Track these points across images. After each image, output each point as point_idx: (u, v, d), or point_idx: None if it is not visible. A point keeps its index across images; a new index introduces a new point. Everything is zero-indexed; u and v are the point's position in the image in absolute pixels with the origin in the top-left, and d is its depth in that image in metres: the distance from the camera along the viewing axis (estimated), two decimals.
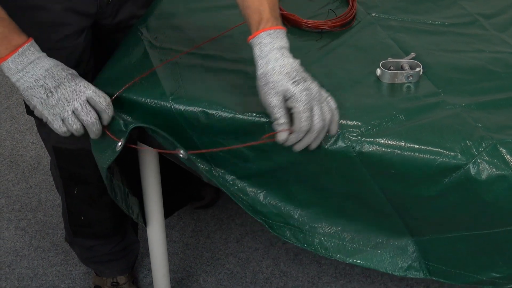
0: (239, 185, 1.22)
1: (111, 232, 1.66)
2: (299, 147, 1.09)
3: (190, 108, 1.17)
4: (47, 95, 1.10)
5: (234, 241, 2.01)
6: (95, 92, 1.13)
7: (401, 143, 1.10)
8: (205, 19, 1.44)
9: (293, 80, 1.05)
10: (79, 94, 1.11)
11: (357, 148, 1.11)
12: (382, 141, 1.10)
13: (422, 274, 1.22)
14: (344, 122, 1.14)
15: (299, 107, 1.04)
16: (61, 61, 1.15)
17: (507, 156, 1.08)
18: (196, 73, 1.26)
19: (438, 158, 1.08)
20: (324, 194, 1.20)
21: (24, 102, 1.57)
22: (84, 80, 1.14)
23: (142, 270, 1.92)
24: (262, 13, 1.11)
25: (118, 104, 1.20)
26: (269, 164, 1.19)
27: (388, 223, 1.20)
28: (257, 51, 1.10)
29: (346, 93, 1.21)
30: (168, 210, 1.57)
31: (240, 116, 1.15)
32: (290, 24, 1.42)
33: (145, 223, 1.47)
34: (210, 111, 1.16)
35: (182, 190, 1.68)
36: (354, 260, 1.24)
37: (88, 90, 1.12)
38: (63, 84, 1.11)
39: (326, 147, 1.12)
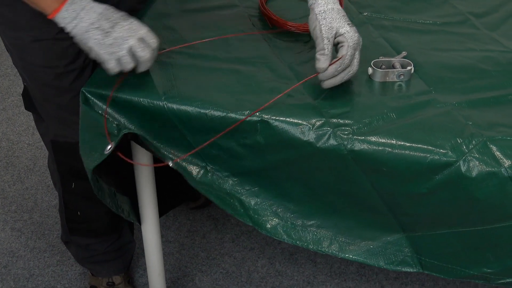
0: (231, 182, 1.23)
1: (108, 230, 1.67)
2: (329, 83, 1.20)
3: (183, 107, 1.18)
4: (103, 36, 1.15)
5: (230, 240, 2.02)
6: (149, 31, 1.19)
7: (392, 141, 1.11)
8: (199, 20, 1.45)
9: (348, 22, 1.20)
10: (135, 31, 1.17)
11: (349, 146, 1.12)
12: (373, 139, 1.11)
13: (415, 269, 1.24)
14: (336, 120, 1.15)
15: (350, 43, 1.18)
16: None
17: (497, 153, 1.09)
18: (189, 72, 1.27)
19: (429, 155, 1.09)
20: (316, 191, 1.21)
21: (22, 99, 1.58)
22: (138, 20, 1.20)
23: (137, 270, 1.92)
24: None
25: (112, 103, 1.20)
26: (263, 162, 1.20)
27: (381, 219, 1.21)
28: None
29: (337, 91, 1.22)
30: (162, 209, 1.57)
31: (233, 115, 1.16)
32: (278, 26, 1.42)
33: (138, 220, 1.47)
34: (203, 110, 1.17)
35: (176, 188, 1.69)
36: (347, 255, 1.25)
37: (142, 29, 1.18)
38: (119, 24, 1.16)
39: (318, 145, 1.13)
